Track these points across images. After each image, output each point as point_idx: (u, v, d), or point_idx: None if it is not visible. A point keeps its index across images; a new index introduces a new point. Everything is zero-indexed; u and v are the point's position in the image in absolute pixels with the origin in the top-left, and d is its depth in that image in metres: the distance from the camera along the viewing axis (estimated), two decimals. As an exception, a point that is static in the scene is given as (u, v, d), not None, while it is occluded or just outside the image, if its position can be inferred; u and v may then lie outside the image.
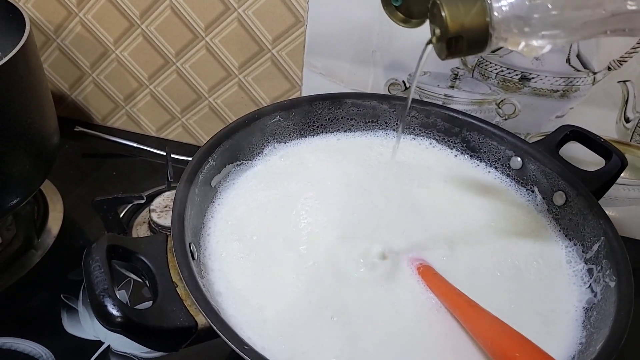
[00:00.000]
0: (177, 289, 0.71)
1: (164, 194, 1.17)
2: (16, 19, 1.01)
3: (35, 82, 1.01)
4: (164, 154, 1.30)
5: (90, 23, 1.28)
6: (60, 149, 1.13)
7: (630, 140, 1.12)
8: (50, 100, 1.09)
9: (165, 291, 0.71)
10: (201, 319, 0.68)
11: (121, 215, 1.18)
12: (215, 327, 0.65)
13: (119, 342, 0.98)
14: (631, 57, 1.03)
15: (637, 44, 1.02)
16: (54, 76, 1.40)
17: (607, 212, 0.84)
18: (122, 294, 1.05)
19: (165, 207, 1.13)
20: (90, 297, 0.66)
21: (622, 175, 1.00)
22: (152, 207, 1.14)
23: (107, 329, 0.65)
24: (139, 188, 1.21)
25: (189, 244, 0.76)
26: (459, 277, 0.82)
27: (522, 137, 1.01)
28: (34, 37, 1.01)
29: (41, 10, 1.29)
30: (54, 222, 1.19)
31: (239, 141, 0.95)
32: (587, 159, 0.95)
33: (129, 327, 0.65)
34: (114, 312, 0.64)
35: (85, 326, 1.00)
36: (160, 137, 1.44)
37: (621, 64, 1.04)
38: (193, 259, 0.75)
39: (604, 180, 0.90)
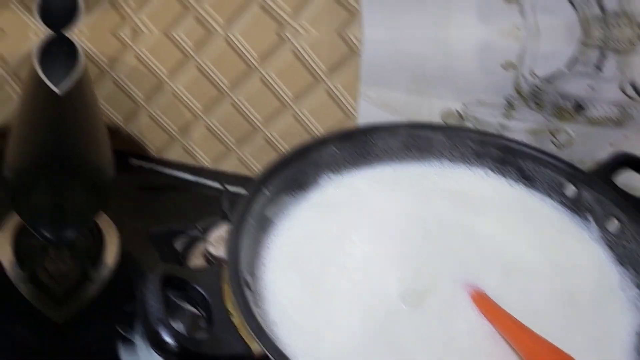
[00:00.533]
0: (232, 318, 0.71)
1: (219, 225, 1.17)
2: (71, 52, 1.03)
3: (90, 114, 1.02)
4: (219, 186, 1.31)
5: (144, 55, 1.29)
6: (115, 182, 1.14)
7: (686, 168, 1.11)
8: (105, 133, 1.10)
9: (220, 320, 0.71)
10: (256, 348, 0.68)
11: (178, 249, 1.19)
12: (269, 354, 0.65)
13: (177, 374, 0.99)
14: (686, 85, 1.03)
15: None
16: (109, 109, 1.41)
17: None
18: (179, 327, 1.05)
19: (221, 238, 1.13)
20: (144, 326, 0.67)
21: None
22: (208, 238, 1.14)
23: (161, 357, 0.66)
24: (194, 220, 1.21)
25: (244, 273, 0.76)
26: (512, 304, 0.81)
27: (577, 166, 1.00)
28: (88, 71, 1.03)
29: (95, 44, 1.31)
30: (110, 254, 1.19)
31: (294, 172, 0.95)
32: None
33: (184, 355, 0.65)
34: (169, 340, 0.65)
35: (143, 358, 1.01)
36: (216, 169, 1.45)
37: (676, 92, 1.04)
38: (249, 289, 0.75)
39: (658, 207, 0.89)
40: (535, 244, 0.93)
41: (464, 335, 0.77)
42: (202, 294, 0.73)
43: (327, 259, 0.87)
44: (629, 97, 1.06)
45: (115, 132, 1.45)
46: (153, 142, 1.46)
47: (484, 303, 0.79)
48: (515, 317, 0.76)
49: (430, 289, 0.82)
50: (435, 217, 0.95)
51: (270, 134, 1.34)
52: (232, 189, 1.30)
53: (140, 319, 0.68)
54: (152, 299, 0.68)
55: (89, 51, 1.33)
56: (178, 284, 0.73)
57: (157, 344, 0.66)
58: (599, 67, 1.04)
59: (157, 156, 1.48)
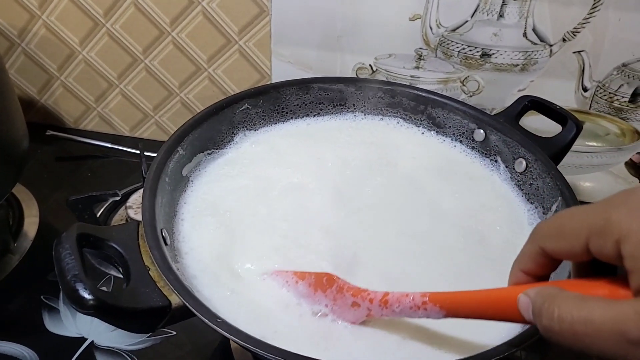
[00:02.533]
0: (149, 272, 0.72)
1: (139, 191, 1.17)
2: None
3: (-1, 85, 1.01)
4: (139, 152, 1.30)
5: (53, 25, 1.28)
6: (33, 154, 1.13)
7: (590, 109, 1.14)
8: (17, 104, 1.09)
9: (138, 275, 0.72)
10: (175, 299, 0.69)
11: (98, 215, 1.19)
12: (187, 303, 0.66)
13: (103, 337, 0.99)
14: (584, 27, 1.05)
15: (589, 14, 1.04)
16: (22, 81, 1.40)
17: (583, 184, 0.86)
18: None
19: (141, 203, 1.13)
20: (61, 284, 0.67)
21: (586, 143, 1.02)
22: (128, 204, 1.15)
23: (80, 312, 0.66)
24: (115, 188, 1.21)
25: (161, 229, 0.77)
26: (428, 247, 0.84)
27: (487, 112, 1.03)
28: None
29: (3, 15, 1.29)
30: (30, 226, 1.19)
31: (209, 130, 0.96)
32: (550, 129, 0.96)
33: (102, 309, 0.66)
34: (86, 295, 0.65)
35: (67, 324, 1.01)
36: (135, 136, 1.45)
37: (575, 35, 1.07)
38: (166, 244, 0.76)
39: (561, 145, 0.92)
40: (447, 188, 0.96)
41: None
42: (119, 251, 0.74)
43: (244, 212, 0.89)
44: (532, 42, 1.08)
45: (29, 104, 1.44)
46: (69, 112, 1.44)
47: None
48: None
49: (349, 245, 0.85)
50: (351, 168, 0.97)
51: (187, 98, 1.34)
52: (151, 154, 1.30)
53: (58, 278, 0.67)
54: (68, 257, 0.68)
55: (-4, 23, 1.32)
56: (94, 242, 0.74)
57: (75, 300, 0.66)
58: (501, 15, 1.07)
59: (74, 127, 1.47)
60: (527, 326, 0.66)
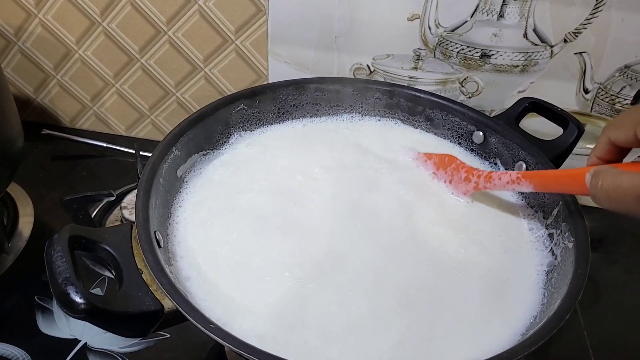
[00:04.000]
0: (142, 275, 0.71)
1: (134, 191, 1.17)
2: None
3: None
4: (135, 152, 1.30)
5: (50, 24, 1.27)
6: (28, 153, 1.13)
7: (591, 111, 1.14)
8: (11, 102, 1.08)
9: (130, 278, 0.71)
10: (167, 303, 0.69)
11: (93, 215, 1.18)
12: (180, 308, 0.65)
13: (96, 339, 0.99)
14: (585, 28, 1.05)
15: (590, 15, 1.03)
16: (18, 80, 1.39)
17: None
18: (96, 292, 1.05)
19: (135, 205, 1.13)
20: (52, 287, 0.66)
21: (586, 146, 1.01)
22: (123, 204, 1.14)
23: (72, 316, 0.66)
24: (110, 187, 1.20)
25: (155, 232, 0.76)
26: (425, 255, 0.83)
27: (487, 114, 1.02)
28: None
29: (0, 14, 1.29)
30: (25, 225, 1.19)
31: (204, 130, 0.95)
32: (550, 131, 0.95)
33: (93, 313, 0.65)
34: (77, 299, 0.65)
35: (60, 326, 1.01)
36: (130, 136, 1.45)
37: (576, 36, 1.06)
38: (159, 246, 0.75)
39: (562, 148, 0.91)
40: (446, 192, 0.95)
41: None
42: (112, 253, 0.73)
43: (239, 215, 0.88)
44: (532, 43, 1.08)
45: (26, 103, 1.43)
46: (65, 111, 1.44)
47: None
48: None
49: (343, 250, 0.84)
50: (347, 169, 0.97)
51: (183, 97, 1.33)
52: (146, 154, 1.29)
53: (49, 281, 0.67)
54: (60, 260, 0.67)
55: (-8, 21, 1.31)
56: (86, 245, 0.73)
57: (66, 304, 0.65)
58: (501, 15, 1.06)
59: (70, 126, 1.47)
60: (527, 335, 0.69)
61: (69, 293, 0.65)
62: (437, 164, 0.96)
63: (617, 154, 0.73)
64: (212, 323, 0.64)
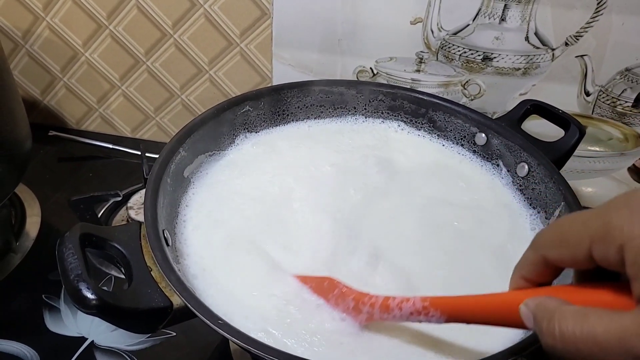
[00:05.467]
0: (151, 272, 0.72)
1: (140, 191, 1.18)
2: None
3: (2, 86, 1.02)
4: (140, 153, 1.31)
5: (57, 27, 1.29)
6: (35, 154, 1.14)
7: (592, 113, 1.14)
8: (20, 104, 1.10)
9: (140, 275, 0.72)
10: (176, 300, 0.70)
11: (99, 215, 1.19)
12: (189, 305, 0.66)
13: (103, 337, 1.00)
14: (586, 31, 1.05)
15: (592, 18, 1.04)
16: (25, 82, 1.41)
17: (585, 189, 0.86)
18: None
19: (143, 204, 1.14)
20: (64, 283, 0.67)
21: (588, 148, 1.02)
22: (129, 204, 1.15)
23: (83, 312, 0.66)
24: (116, 188, 1.21)
25: (163, 230, 0.78)
26: (431, 259, 0.84)
27: (489, 116, 1.03)
28: (0, 43, 1.02)
29: (7, 17, 1.30)
30: (32, 225, 1.20)
31: (210, 132, 0.96)
32: (552, 133, 0.96)
33: (104, 309, 0.66)
34: (89, 295, 0.65)
35: (68, 324, 1.02)
36: (136, 137, 1.46)
37: (577, 39, 1.07)
38: (167, 245, 0.76)
39: (564, 150, 0.92)
40: (449, 192, 0.95)
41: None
42: (121, 251, 0.74)
43: (245, 214, 0.89)
44: (534, 46, 1.09)
45: (33, 105, 1.45)
46: (72, 113, 1.45)
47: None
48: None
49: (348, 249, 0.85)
50: (352, 169, 0.97)
51: (188, 99, 1.34)
52: (152, 155, 1.30)
53: (61, 277, 0.68)
54: (71, 257, 0.68)
55: (1, 25, 1.31)
56: (97, 243, 0.74)
57: (78, 300, 0.66)
58: (503, 18, 1.07)
59: (76, 127, 1.48)
60: (531, 332, 0.64)
61: (81, 289, 0.66)
62: (315, 290, 0.77)
63: (551, 275, 0.56)
64: (220, 319, 0.65)
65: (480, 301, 0.61)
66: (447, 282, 0.81)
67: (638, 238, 0.44)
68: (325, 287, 0.75)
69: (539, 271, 0.56)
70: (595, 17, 1.03)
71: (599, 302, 0.49)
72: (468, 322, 0.62)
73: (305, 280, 0.78)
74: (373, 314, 0.70)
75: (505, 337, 0.70)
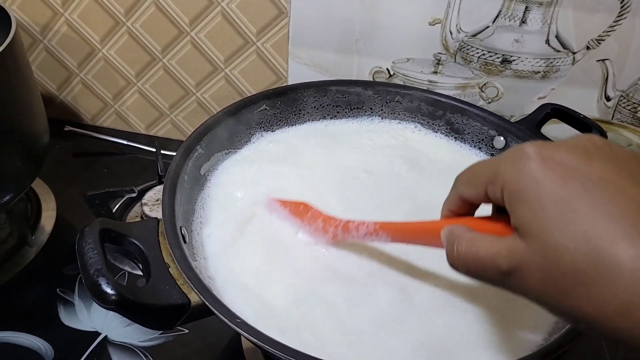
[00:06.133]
0: (169, 269, 0.72)
1: (155, 188, 1.18)
2: (2, 20, 1.03)
3: (23, 80, 1.02)
4: (154, 150, 1.31)
5: (75, 23, 1.29)
6: (51, 149, 1.14)
7: (612, 119, 1.14)
8: (39, 99, 1.10)
9: (158, 272, 0.72)
10: (194, 297, 0.70)
11: (114, 211, 1.19)
12: (207, 302, 0.66)
13: (116, 332, 1.00)
14: (609, 35, 1.05)
15: (614, 22, 1.03)
16: (42, 77, 1.42)
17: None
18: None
19: (157, 200, 1.14)
20: (84, 278, 0.67)
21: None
22: (143, 200, 1.15)
23: (102, 307, 0.66)
24: (130, 184, 1.22)
25: (180, 227, 0.78)
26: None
27: (505, 118, 1.02)
28: (20, 36, 1.02)
29: (27, 12, 1.30)
30: (47, 220, 1.20)
31: (227, 130, 0.96)
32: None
33: (123, 304, 0.66)
34: (108, 290, 0.66)
35: (82, 318, 1.02)
36: (150, 134, 1.46)
37: (599, 43, 1.06)
38: (185, 242, 0.77)
39: (585, 155, 0.91)
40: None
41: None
42: (140, 247, 0.74)
43: (260, 212, 0.89)
44: (554, 49, 1.08)
45: (49, 100, 1.45)
46: (87, 109, 1.46)
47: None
48: None
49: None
50: (368, 170, 0.97)
51: (203, 97, 1.34)
52: (166, 152, 1.30)
53: (80, 272, 0.68)
54: (91, 252, 0.69)
55: (20, 20, 1.32)
56: (115, 238, 0.74)
57: (98, 295, 0.66)
58: (523, 21, 1.07)
59: (91, 123, 1.48)
60: (543, 344, 0.71)
61: (101, 284, 0.66)
62: (293, 212, 0.88)
63: (468, 208, 0.66)
64: (239, 318, 0.65)
65: (416, 226, 0.73)
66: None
67: (510, 181, 0.53)
68: (300, 210, 0.87)
69: (458, 204, 0.65)
70: (619, 20, 1.03)
71: (493, 230, 0.58)
72: (408, 243, 0.75)
73: (284, 203, 0.89)
74: (337, 233, 0.81)
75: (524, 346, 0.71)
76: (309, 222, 0.85)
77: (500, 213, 0.59)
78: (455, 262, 0.59)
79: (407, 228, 0.74)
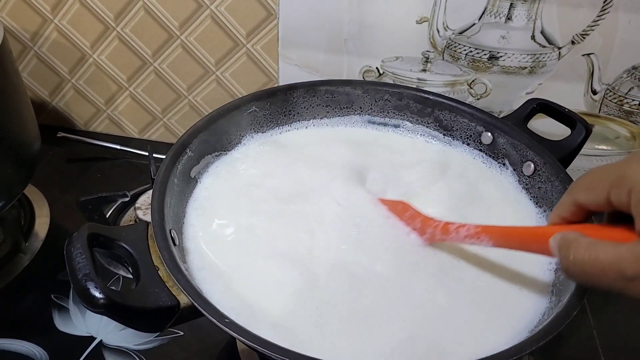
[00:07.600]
0: (158, 272, 0.72)
1: (148, 192, 1.18)
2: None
3: (12, 87, 1.02)
4: (147, 154, 1.31)
5: (65, 29, 1.29)
6: (44, 156, 1.15)
7: (599, 112, 1.14)
8: (29, 106, 1.10)
9: (147, 274, 0.72)
10: (183, 299, 0.70)
11: (107, 215, 1.20)
12: (196, 304, 0.67)
13: (111, 337, 1.00)
14: (593, 30, 1.06)
15: (598, 17, 1.04)
16: (34, 84, 1.42)
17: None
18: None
19: (150, 204, 1.14)
20: (73, 283, 0.68)
21: (595, 147, 1.02)
22: (137, 205, 1.15)
23: (91, 311, 0.67)
24: (124, 189, 1.22)
25: (170, 230, 0.78)
26: (436, 254, 0.85)
27: (495, 115, 1.03)
28: (8, 43, 1.02)
29: (16, 19, 1.31)
30: (41, 226, 1.21)
31: (217, 132, 0.97)
32: (558, 132, 0.96)
33: (112, 308, 0.66)
34: (97, 294, 0.66)
35: (76, 323, 1.02)
36: (143, 138, 1.46)
37: (584, 38, 1.07)
38: (174, 244, 0.77)
39: (570, 148, 0.92)
40: (454, 191, 0.95)
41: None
42: (129, 251, 0.74)
43: (252, 212, 0.89)
44: (540, 44, 1.09)
45: (41, 107, 1.45)
46: (80, 115, 1.46)
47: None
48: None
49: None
50: (359, 167, 0.98)
51: (195, 100, 1.35)
52: (159, 156, 1.30)
53: (69, 277, 0.68)
54: (79, 257, 0.69)
55: (10, 27, 1.32)
56: (104, 242, 0.74)
57: (86, 299, 0.67)
58: (509, 17, 1.07)
59: (84, 129, 1.49)
60: (535, 331, 0.71)
61: (89, 288, 0.66)
62: (390, 210, 0.90)
63: (582, 216, 0.66)
64: (227, 318, 0.66)
65: (521, 231, 0.75)
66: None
67: None
68: (399, 209, 0.89)
69: (572, 211, 0.66)
70: (602, 15, 1.04)
71: (611, 237, 0.58)
72: (510, 248, 0.75)
73: (384, 202, 0.91)
74: (435, 234, 0.82)
75: (509, 335, 0.72)
76: (407, 222, 0.87)
77: (615, 221, 0.60)
78: (571, 267, 0.60)
79: (511, 233, 0.75)
